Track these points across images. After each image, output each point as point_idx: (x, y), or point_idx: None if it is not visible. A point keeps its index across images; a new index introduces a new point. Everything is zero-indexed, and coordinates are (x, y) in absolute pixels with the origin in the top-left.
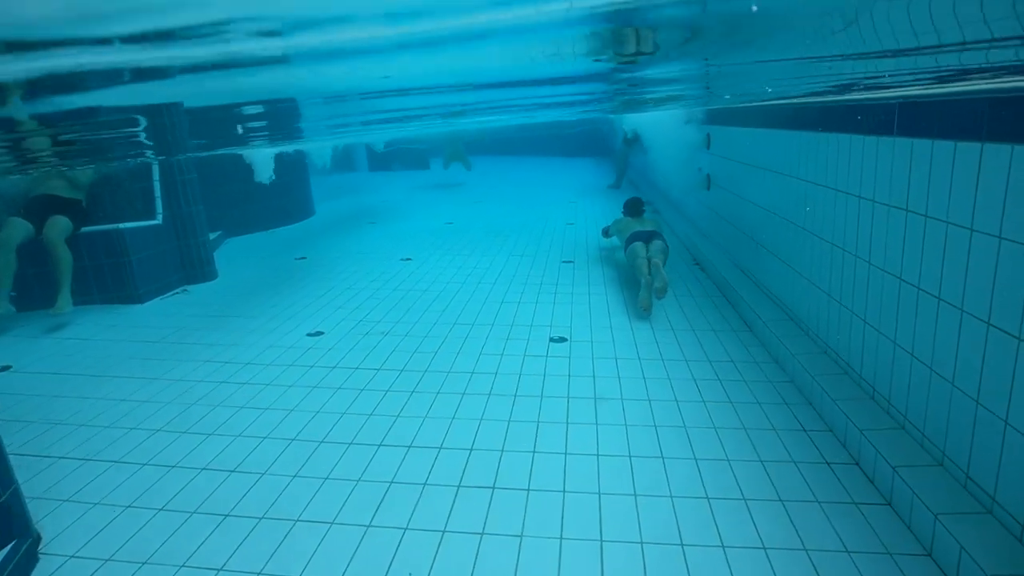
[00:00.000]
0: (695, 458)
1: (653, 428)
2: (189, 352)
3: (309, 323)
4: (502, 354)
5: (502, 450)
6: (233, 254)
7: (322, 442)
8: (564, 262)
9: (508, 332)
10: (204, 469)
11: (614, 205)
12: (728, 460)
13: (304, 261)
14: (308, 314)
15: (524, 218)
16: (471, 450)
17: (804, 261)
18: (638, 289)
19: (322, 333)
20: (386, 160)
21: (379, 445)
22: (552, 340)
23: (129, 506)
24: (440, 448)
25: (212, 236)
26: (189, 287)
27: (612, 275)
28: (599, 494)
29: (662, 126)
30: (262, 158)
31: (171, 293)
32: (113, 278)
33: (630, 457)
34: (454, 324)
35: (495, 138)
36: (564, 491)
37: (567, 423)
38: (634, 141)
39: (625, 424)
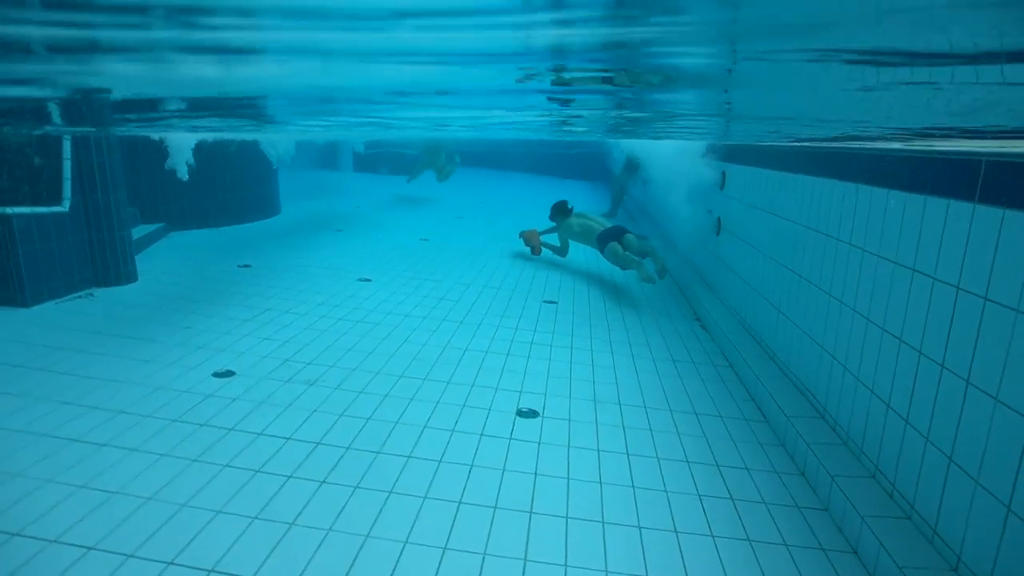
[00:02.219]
0: None
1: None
2: (51, 386)
3: (222, 357)
4: (453, 430)
5: None
6: (169, 252)
7: (171, 563)
8: (546, 302)
9: (466, 396)
10: None
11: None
12: None
13: (247, 270)
14: (225, 344)
15: (507, 242)
16: None
17: (841, 343)
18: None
19: (232, 374)
20: (372, 162)
21: None
22: (520, 414)
23: None
24: None
25: (150, 229)
26: (97, 291)
27: (600, 320)
28: None
29: (668, 156)
30: (179, 144)
31: (71, 296)
32: None
33: None
34: (401, 376)
35: (487, 151)
36: None
37: (524, 559)
38: (635, 168)
39: (606, 570)
